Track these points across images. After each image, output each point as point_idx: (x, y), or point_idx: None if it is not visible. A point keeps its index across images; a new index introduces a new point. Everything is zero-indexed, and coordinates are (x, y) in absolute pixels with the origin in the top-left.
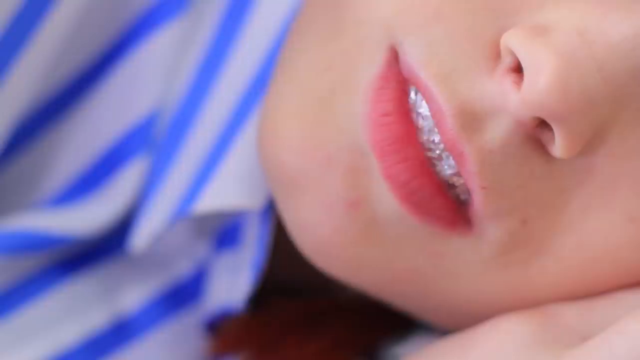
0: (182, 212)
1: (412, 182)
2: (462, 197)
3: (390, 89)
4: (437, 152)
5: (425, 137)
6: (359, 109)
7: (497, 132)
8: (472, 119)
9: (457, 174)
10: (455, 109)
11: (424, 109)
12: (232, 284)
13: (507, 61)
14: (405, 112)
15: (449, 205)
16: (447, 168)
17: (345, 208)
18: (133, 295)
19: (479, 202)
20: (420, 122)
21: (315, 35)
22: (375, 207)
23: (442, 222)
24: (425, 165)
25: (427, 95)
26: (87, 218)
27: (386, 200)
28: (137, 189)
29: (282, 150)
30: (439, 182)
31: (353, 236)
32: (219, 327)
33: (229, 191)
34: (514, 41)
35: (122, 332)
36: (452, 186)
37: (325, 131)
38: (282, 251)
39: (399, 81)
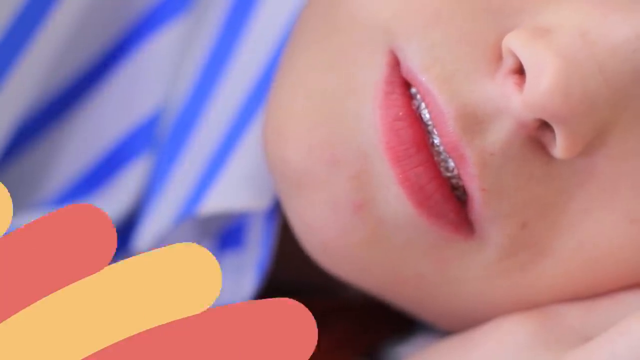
0: (187, 213)
1: (427, 186)
2: (462, 199)
3: (399, 93)
4: (442, 155)
5: (432, 140)
6: (367, 113)
7: (498, 134)
8: (473, 122)
9: (457, 177)
10: (456, 111)
11: (425, 111)
12: (235, 284)
13: (508, 63)
14: (415, 116)
15: (457, 208)
16: (444, 171)
17: (352, 209)
18: None
19: (479, 205)
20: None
21: (314, 35)
22: (383, 211)
23: (451, 226)
24: (437, 168)
25: (427, 98)
26: None
27: (395, 204)
28: (140, 189)
29: (288, 149)
30: (449, 185)
31: (359, 238)
32: None
33: (235, 192)
34: (516, 43)
35: None
36: (454, 188)
37: (331, 132)
38: (284, 251)
39: (402, 84)
